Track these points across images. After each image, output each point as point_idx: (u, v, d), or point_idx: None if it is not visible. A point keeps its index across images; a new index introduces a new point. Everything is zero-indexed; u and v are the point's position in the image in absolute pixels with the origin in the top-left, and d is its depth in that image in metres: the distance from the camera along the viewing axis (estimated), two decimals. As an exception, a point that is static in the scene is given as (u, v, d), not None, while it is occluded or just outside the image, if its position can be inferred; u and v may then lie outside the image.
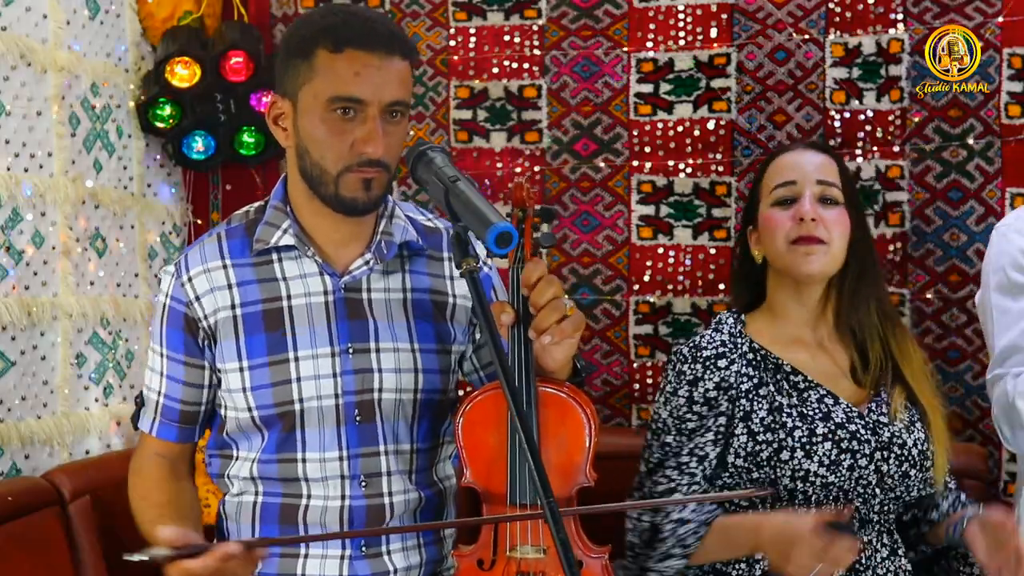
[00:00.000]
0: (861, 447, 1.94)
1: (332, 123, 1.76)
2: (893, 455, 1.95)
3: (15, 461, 2.54)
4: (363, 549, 1.86)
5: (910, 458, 1.96)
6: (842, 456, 1.94)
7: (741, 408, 1.97)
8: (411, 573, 1.90)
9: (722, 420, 1.98)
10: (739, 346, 2.03)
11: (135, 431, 2.00)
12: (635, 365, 3.10)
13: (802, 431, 1.93)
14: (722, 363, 2.01)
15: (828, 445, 1.94)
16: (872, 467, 1.94)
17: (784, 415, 1.96)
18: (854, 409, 1.98)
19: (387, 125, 1.78)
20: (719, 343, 2.04)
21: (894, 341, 2.04)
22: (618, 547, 1.83)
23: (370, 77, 1.75)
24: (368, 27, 1.78)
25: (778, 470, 1.93)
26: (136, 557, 1.56)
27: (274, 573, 1.88)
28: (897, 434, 1.97)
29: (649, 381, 3.09)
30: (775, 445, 1.93)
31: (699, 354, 2.02)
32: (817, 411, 1.97)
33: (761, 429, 1.95)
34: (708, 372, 2.00)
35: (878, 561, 1.95)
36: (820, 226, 1.98)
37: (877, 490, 1.95)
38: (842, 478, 1.93)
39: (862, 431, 1.96)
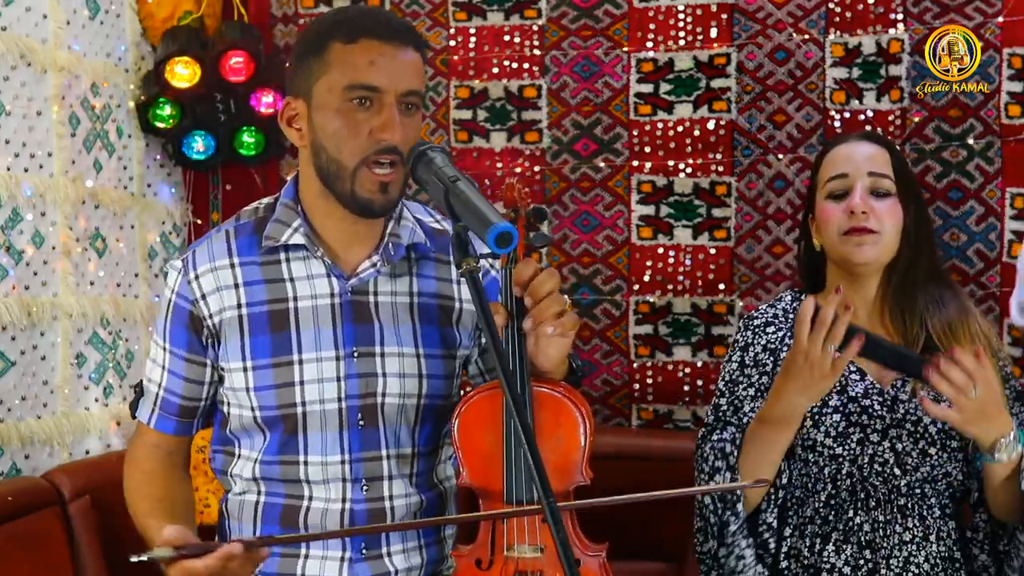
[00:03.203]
0: (872, 422, 1.97)
1: (348, 114, 1.75)
2: (906, 432, 1.96)
3: (15, 461, 2.54)
4: (363, 551, 1.85)
5: (927, 436, 1.96)
6: (851, 429, 1.97)
7: (779, 371, 2.00)
8: (412, 574, 1.90)
9: (764, 379, 2.05)
10: (790, 319, 2.09)
11: (133, 419, 1.99)
12: (635, 365, 3.10)
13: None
14: (771, 329, 2.10)
15: (837, 417, 1.97)
16: (887, 444, 1.96)
17: None
18: (877, 386, 2.00)
19: (403, 116, 1.76)
20: (771, 315, 2.13)
21: (938, 323, 2.02)
22: (615, 545, 1.82)
23: (385, 65, 1.75)
24: (382, 19, 1.81)
25: (794, 438, 1.95)
26: (140, 558, 1.54)
27: (274, 573, 1.87)
28: (912, 411, 1.98)
29: (649, 381, 3.09)
30: None
31: (751, 322, 2.13)
32: (836, 384, 1.98)
33: None
34: (757, 337, 2.10)
35: (895, 543, 1.95)
36: (871, 217, 2.00)
37: (897, 470, 1.95)
38: (851, 451, 1.96)
39: (876, 407, 1.98)
